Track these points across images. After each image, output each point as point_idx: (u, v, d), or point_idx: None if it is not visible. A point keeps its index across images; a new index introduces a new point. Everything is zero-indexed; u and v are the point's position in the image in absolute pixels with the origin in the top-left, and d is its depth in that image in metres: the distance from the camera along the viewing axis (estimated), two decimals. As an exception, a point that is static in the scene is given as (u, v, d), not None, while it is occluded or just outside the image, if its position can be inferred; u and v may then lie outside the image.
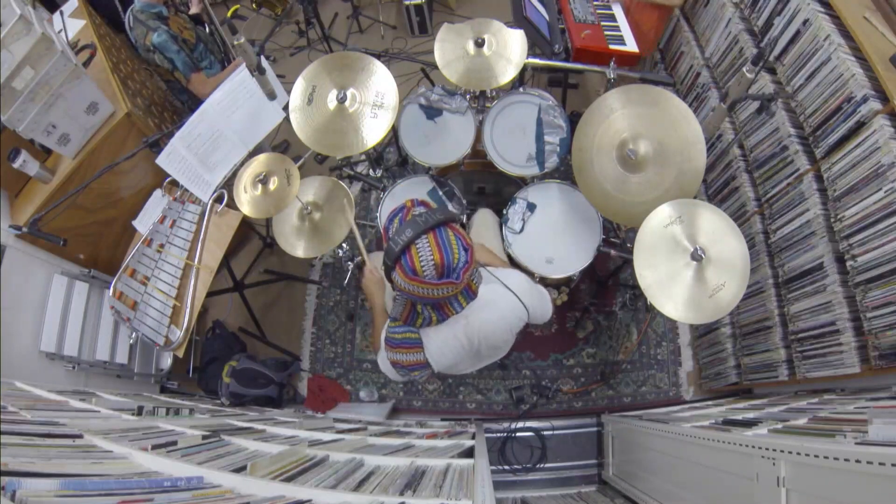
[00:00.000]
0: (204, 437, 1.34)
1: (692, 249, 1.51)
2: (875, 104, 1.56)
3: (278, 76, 2.52)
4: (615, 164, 1.72)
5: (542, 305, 1.46)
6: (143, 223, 2.25)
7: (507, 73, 1.95)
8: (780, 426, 1.32)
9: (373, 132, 1.79)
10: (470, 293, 1.29)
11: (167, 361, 2.65)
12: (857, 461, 0.92)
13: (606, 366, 2.62)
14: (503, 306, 1.36)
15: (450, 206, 2.09)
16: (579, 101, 3.07)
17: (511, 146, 2.05)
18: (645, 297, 1.55)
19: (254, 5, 3.97)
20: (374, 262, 1.99)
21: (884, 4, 1.75)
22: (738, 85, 1.61)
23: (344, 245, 2.04)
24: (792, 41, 1.87)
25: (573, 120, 1.94)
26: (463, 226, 1.20)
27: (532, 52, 2.12)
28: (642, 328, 2.66)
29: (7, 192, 2.21)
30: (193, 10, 2.51)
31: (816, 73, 1.76)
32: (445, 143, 2.09)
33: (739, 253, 1.53)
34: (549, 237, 1.97)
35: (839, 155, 1.68)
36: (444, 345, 1.33)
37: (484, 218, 2.09)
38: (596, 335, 2.68)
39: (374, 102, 1.81)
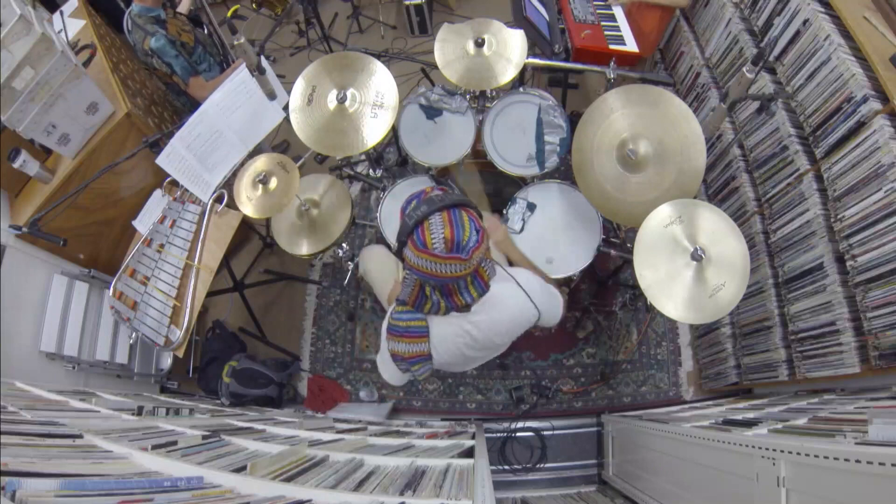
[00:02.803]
0: (204, 437, 1.34)
1: (692, 249, 1.51)
2: (875, 104, 1.56)
3: (278, 76, 2.52)
4: (615, 164, 1.72)
5: (553, 307, 1.44)
6: (143, 223, 2.25)
7: (507, 73, 1.95)
8: (780, 426, 1.32)
9: (373, 132, 1.79)
10: (481, 284, 1.27)
11: (167, 361, 2.65)
12: (857, 461, 0.92)
13: (606, 366, 2.62)
14: (514, 305, 1.35)
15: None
16: (579, 101, 3.07)
17: (511, 146, 2.05)
18: (645, 297, 1.55)
19: (254, 5, 3.97)
20: (368, 264, 1.98)
21: (884, 4, 1.75)
22: (738, 85, 1.61)
23: (344, 245, 2.04)
24: (792, 41, 1.88)
25: (573, 120, 1.94)
26: (480, 216, 1.20)
27: (532, 52, 2.12)
28: (642, 328, 2.66)
29: (7, 192, 2.21)
30: (181, 7, 2.49)
31: (816, 73, 1.76)
32: (445, 143, 2.09)
33: (739, 253, 1.53)
34: (549, 237, 1.97)
35: (839, 155, 1.68)
36: (449, 339, 1.32)
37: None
38: (596, 335, 2.68)
39: (374, 102, 1.81)
